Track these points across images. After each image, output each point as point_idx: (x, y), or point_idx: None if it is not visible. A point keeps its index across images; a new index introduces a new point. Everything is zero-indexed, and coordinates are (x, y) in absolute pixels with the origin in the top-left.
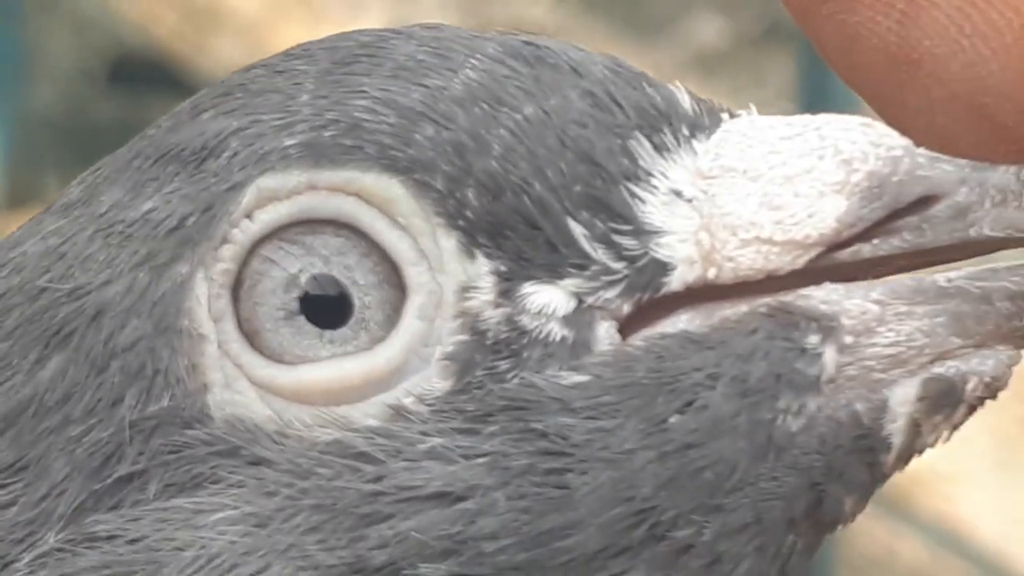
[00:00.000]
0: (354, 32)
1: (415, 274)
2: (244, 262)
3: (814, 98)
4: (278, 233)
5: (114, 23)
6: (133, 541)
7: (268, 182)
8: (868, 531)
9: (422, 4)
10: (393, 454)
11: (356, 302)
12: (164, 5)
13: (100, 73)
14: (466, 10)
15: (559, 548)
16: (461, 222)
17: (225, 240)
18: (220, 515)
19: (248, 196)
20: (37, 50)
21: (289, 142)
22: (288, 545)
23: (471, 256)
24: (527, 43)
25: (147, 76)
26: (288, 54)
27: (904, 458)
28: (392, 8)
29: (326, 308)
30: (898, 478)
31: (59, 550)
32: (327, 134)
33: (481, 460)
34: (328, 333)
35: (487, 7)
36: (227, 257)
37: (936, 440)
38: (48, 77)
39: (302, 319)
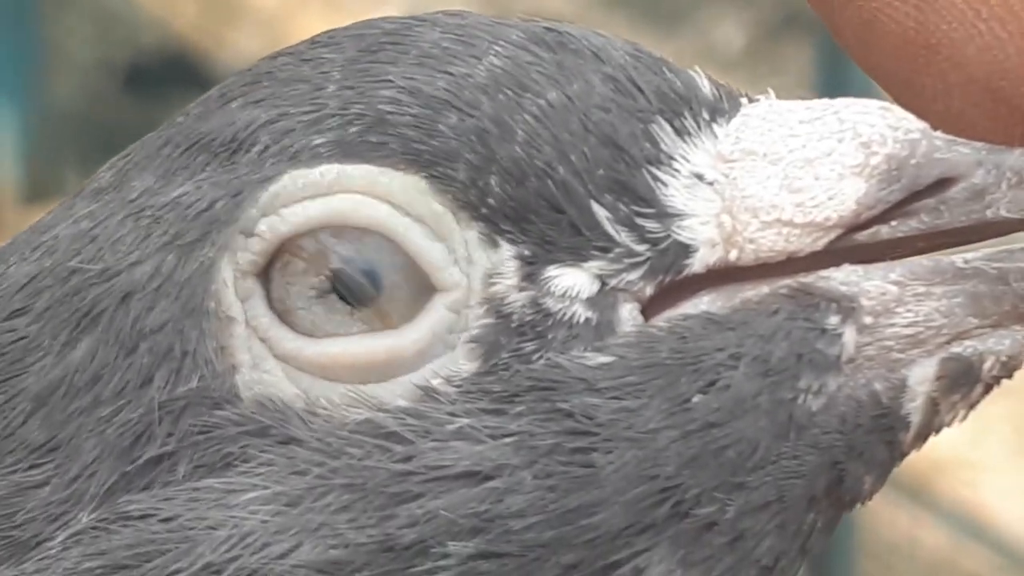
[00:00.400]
0: (379, 19)
1: (446, 276)
2: (273, 255)
3: (833, 87)
4: (307, 233)
5: (133, 17)
6: (166, 520)
7: (299, 178)
8: (889, 519)
9: None
10: (422, 434)
11: (385, 281)
12: None
13: (119, 67)
14: (485, 0)
15: (585, 525)
16: (484, 210)
17: (253, 232)
18: (251, 495)
19: (278, 186)
20: (56, 44)
21: (318, 140)
22: (319, 524)
23: (494, 244)
24: (549, 29)
25: (166, 70)
26: (315, 42)
27: (922, 436)
28: None
29: (356, 287)
30: (919, 465)
31: (93, 528)
32: (352, 130)
33: (508, 440)
34: (358, 312)
35: None
36: (256, 251)
37: (953, 419)
38: (67, 71)
39: (333, 297)
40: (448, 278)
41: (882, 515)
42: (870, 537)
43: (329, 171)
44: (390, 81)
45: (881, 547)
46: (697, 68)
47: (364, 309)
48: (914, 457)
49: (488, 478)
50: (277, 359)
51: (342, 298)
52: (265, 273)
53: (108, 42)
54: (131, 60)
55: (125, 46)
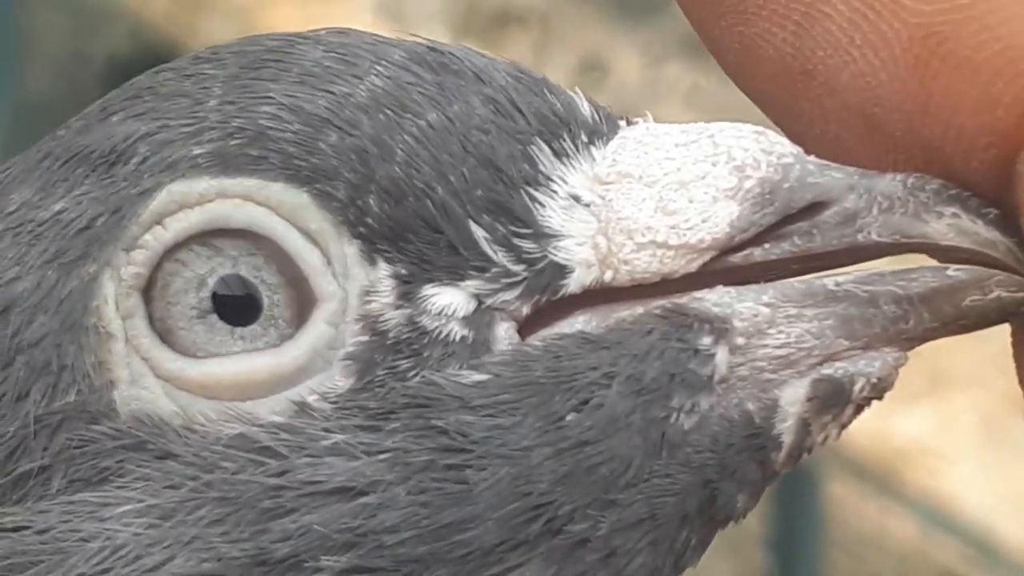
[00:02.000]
0: (263, 36)
1: (324, 283)
2: (156, 266)
3: None
4: (190, 240)
5: (107, 7)
6: (40, 532)
7: (179, 188)
8: (858, 510)
9: None
10: (296, 449)
11: (265, 300)
12: None
13: (94, 58)
14: None
15: (458, 541)
16: (362, 229)
17: (136, 245)
18: (126, 508)
19: (158, 202)
20: (31, 36)
21: (198, 151)
22: (192, 537)
23: (372, 262)
24: (432, 49)
25: (141, 60)
26: (197, 57)
27: (794, 456)
28: None
29: (237, 306)
30: (886, 455)
31: None
32: (233, 143)
33: (383, 456)
34: (239, 330)
35: None
36: (139, 262)
37: (825, 439)
38: (42, 63)
39: (215, 317)
40: (326, 286)
41: (850, 506)
42: (839, 529)
43: (209, 183)
44: (271, 98)
45: (850, 538)
46: (578, 89)
47: (244, 328)
48: (880, 446)
49: (362, 493)
50: (158, 377)
51: (223, 318)
52: (147, 292)
53: (83, 33)
54: (106, 51)
55: (100, 37)
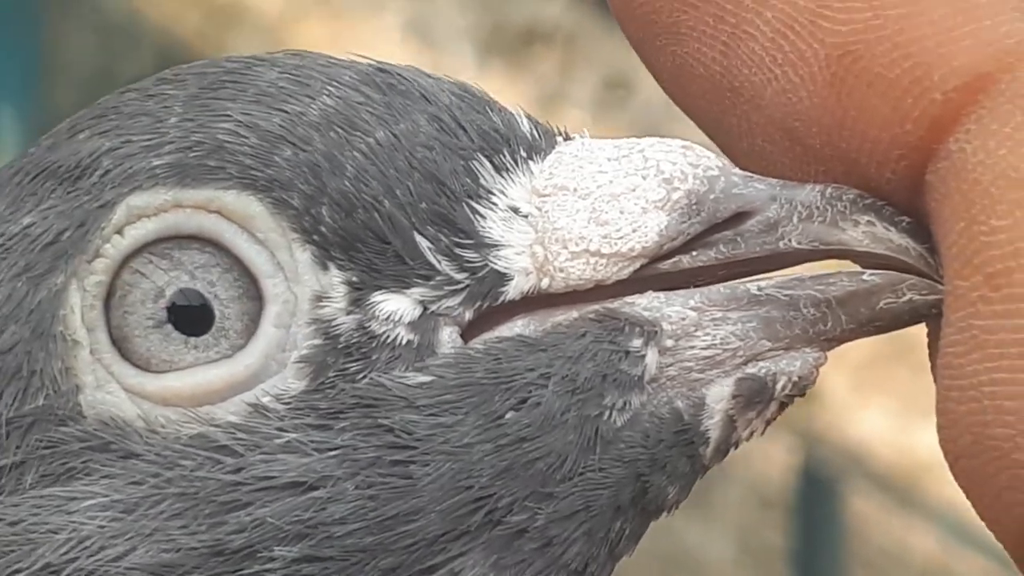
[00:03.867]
0: (223, 59)
1: (271, 286)
2: (116, 274)
3: None
4: (147, 248)
5: (135, 25)
6: (12, 524)
7: (137, 200)
8: (880, 524)
9: (439, 2)
10: (251, 447)
11: (217, 313)
12: (187, 5)
13: (121, 76)
14: (482, 9)
15: (404, 532)
16: (316, 237)
17: (98, 254)
18: (91, 502)
19: (118, 213)
20: (57, 51)
21: (157, 162)
22: (153, 529)
23: (324, 268)
24: (380, 70)
25: None
26: (160, 79)
27: (722, 451)
28: (409, 6)
29: (191, 317)
30: (909, 468)
31: None
32: (192, 155)
33: (333, 453)
34: (192, 340)
35: (503, 6)
36: (100, 270)
37: (751, 434)
38: (69, 80)
39: (169, 327)
40: (273, 288)
41: (873, 520)
42: (861, 543)
43: (165, 195)
44: (229, 116)
45: (873, 553)
46: (519, 107)
47: (198, 338)
48: (903, 460)
49: (313, 488)
50: (120, 386)
51: (178, 328)
52: (107, 301)
53: (110, 52)
54: (133, 70)
55: (127, 55)
